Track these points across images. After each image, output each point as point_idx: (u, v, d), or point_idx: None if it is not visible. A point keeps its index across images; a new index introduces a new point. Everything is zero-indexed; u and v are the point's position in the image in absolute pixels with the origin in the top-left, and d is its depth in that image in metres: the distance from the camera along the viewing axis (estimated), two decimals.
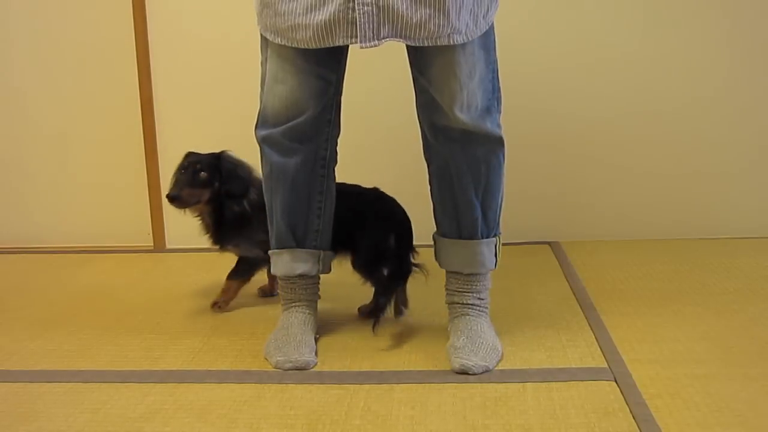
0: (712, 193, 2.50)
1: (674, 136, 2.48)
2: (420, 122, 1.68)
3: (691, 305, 1.91)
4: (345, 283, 1.92)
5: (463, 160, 1.62)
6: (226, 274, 2.00)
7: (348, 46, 1.65)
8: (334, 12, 1.44)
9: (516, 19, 2.39)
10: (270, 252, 1.76)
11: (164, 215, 2.62)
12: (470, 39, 1.51)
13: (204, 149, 2.56)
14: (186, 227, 2.62)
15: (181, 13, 2.50)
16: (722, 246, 2.41)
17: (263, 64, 1.65)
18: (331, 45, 1.48)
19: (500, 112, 1.64)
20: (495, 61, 1.61)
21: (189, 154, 1.97)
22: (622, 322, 1.81)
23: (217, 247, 1.98)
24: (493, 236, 1.69)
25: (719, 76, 2.44)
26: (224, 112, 2.53)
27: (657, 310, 1.89)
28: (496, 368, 1.59)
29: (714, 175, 2.50)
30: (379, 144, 2.50)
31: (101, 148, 2.62)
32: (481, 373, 1.56)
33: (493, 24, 1.58)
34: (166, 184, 2.58)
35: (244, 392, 1.52)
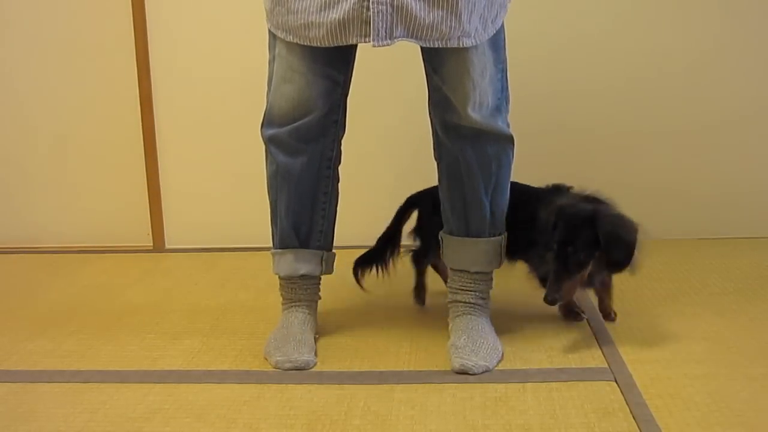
0: (712, 193, 2.50)
1: (674, 136, 2.48)
2: (431, 120, 1.68)
3: (691, 305, 1.91)
4: (345, 283, 1.92)
5: (474, 158, 1.63)
6: (226, 274, 2.00)
7: (357, 47, 1.65)
8: (348, 10, 1.44)
9: (517, 20, 2.38)
10: (272, 252, 1.75)
11: (163, 215, 2.61)
12: (478, 43, 1.51)
13: (204, 149, 2.57)
14: (185, 227, 2.64)
15: (180, 12, 2.50)
16: (722, 246, 2.41)
17: (271, 63, 1.64)
18: (344, 44, 1.48)
19: (508, 111, 1.65)
20: (504, 61, 1.62)
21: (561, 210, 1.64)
22: (622, 322, 1.81)
23: None
24: (499, 235, 1.70)
25: (720, 76, 2.44)
26: (224, 111, 2.53)
27: (657, 310, 1.89)
28: (496, 368, 1.59)
29: (714, 175, 2.49)
30: (382, 144, 2.50)
31: (101, 147, 2.62)
32: (481, 373, 1.56)
33: (503, 24, 1.59)
34: (165, 184, 2.60)
35: (244, 392, 1.52)
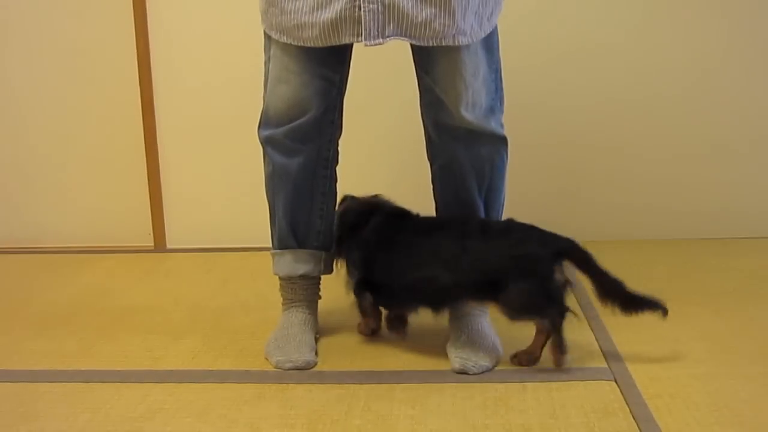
0: (712, 193, 2.50)
1: (674, 137, 2.48)
2: (423, 121, 1.68)
3: (691, 305, 1.91)
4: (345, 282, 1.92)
5: (467, 159, 1.63)
6: (227, 274, 2.00)
7: (352, 47, 1.65)
8: (340, 10, 1.44)
9: (516, 18, 2.39)
10: (272, 252, 1.76)
11: (164, 215, 2.62)
12: (474, 41, 1.51)
13: (204, 149, 2.57)
14: (186, 227, 2.64)
15: (182, 13, 2.50)
16: (722, 246, 2.41)
17: (266, 63, 1.65)
18: (337, 43, 1.49)
19: (503, 112, 1.65)
20: (498, 61, 1.62)
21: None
22: (622, 322, 1.80)
23: None
24: None
25: (720, 77, 2.44)
26: (225, 112, 2.53)
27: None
28: (496, 368, 1.59)
29: (713, 175, 2.49)
30: (378, 145, 2.50)
31: (102, 148, 2.62)
32: (481, 372, 1.56)
33: (496, 25, 1.59)
34: (166, 184, 2.60)
35: (245, 392, 1.52)
